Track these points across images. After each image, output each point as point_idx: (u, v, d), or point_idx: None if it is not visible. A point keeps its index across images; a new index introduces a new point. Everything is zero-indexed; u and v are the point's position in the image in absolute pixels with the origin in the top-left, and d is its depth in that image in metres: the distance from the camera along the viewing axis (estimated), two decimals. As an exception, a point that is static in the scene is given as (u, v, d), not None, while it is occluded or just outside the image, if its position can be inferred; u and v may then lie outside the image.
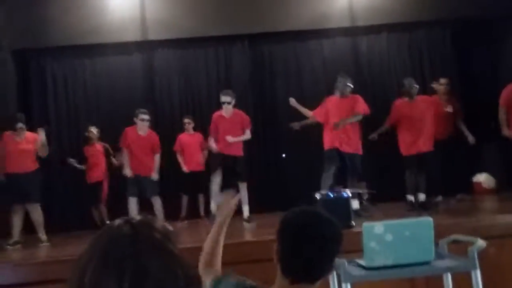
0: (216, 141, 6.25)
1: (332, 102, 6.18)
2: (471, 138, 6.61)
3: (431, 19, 7.89)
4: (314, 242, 1.50)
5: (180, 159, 7.40)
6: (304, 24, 7.98)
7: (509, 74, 6.28)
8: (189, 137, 7.46)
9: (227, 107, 6.28)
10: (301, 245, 1.50)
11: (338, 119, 5.98)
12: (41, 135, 6.05)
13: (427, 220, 2.72)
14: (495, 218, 4.43)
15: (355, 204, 5.84)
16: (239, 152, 6.31)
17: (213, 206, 5.93)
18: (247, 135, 6.32)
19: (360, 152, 6.09)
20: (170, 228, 1.06)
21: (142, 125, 6.40)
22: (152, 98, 8.24)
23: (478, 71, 7.07)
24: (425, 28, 8.15)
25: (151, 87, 8.33)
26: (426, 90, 7.10)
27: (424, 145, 6.19)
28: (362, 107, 6.13)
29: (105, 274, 0.95)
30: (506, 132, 6.05)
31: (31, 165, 6.07)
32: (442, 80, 6.93)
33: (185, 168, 7.33)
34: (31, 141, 6.10)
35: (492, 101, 6.25)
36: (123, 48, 8.22)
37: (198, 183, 7.17)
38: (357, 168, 5.99)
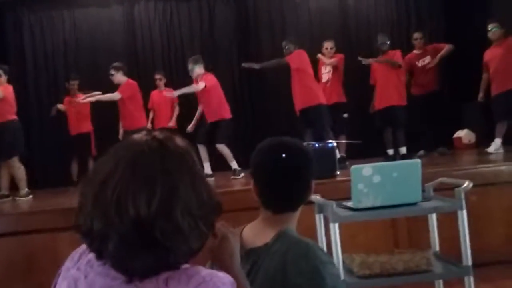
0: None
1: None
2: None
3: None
4: (288, 175, 1.51)
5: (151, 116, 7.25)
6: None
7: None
8: (159, 94, 7.27)
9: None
10: (276, 181, 1.51)
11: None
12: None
13: (416, 162, 2.72)
14: (476, 167, 4.51)
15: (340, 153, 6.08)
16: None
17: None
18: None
19: (318, 102, 6.02)
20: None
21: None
22: (134, 51, 8.08)
23: (466, 23, 7.02)
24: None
25: (133, 41, 8.15)
26: (412, 43, 7.14)
27: (392, 99, 6.29)
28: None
29: (134, 187, 0.91)
30: (480, 97, 6.27)
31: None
32: (415, 35, 6.98)
33: (149, 125, 7.07)
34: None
35: (480, 57, 6.27)
36: (102, 0, 7.98)
37: None
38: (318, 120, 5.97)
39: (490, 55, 6.09)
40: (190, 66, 6.14)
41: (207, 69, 6.30)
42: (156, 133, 1.00)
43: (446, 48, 6.67)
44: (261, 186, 1.54)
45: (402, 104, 6.35)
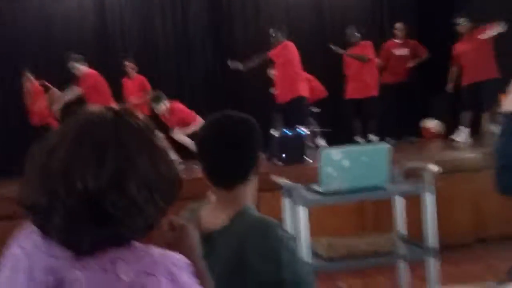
0: None
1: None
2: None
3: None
4: (231, 143, 1.46)
5: None
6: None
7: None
8: (129, 82, 7.22)
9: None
10: (220, 151, 1.46)
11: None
12: None
13: (384, 146, 2.75)
14: (443, 155, 4.59)
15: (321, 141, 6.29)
16: None
17: None
18: None
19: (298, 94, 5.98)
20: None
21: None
22: (104, 40, 7.87)
23: (437, 20, 7.12)
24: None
25: (103, 29, 7.93)
26: (385, 37, 7.18)
27: (362, 91, 6.43)
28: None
29: (83, 158, 0.86)
30: (448, 88, 6.46)
31: None
32: (397, 25, 7.10)
33: None
34: None
35: (448, 51, 6.39)
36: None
37: None
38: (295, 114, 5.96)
39: (460, 48, 6.21)
40: (153, 105, 6.39)
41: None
42: (114, 106, 0.96)
43: (424, 56, 6.91)
44: (207, 161, 1.49)
45: (373, 95, 6.47)
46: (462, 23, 6.16)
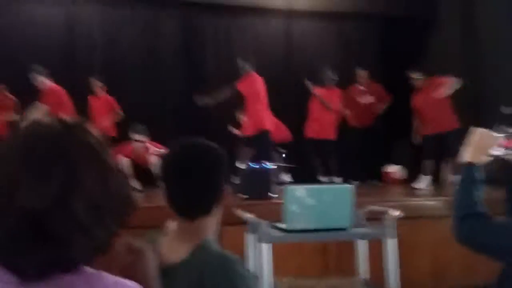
0: None
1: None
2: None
3: (362, 12, 8.12)
4: (197, 172, 1.44)
5: None
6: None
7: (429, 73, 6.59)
8: (96, 100, 7.14)
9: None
10: (185, 178, 1.43)
11: None
12: None
13: (348, 187, 2.75)
14: (405, 200, 4.64)
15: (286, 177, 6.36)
16: None
17: None
18: None
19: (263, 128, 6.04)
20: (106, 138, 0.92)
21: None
22: (72, 58, 7.73)
23: (400, 68, 7.35)
24: (356, 20, 8.37)
25: (71, 46, 7.80)
26: (350, 81, 7.37)
27: (321, 133, 6.65)
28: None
29: (27, 174, 0.79)
30: (415, 139, 6.56)
31: None
32: (361, 73, 7.30)
33: None
34: None
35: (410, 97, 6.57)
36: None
37: None
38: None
39: (419, 101, 6.37)
40: (136, 137, 6.35)
41: None
42: (65, 117, 0.89)
43: (386, 101, 7.18)
44: (170, 188, 1.45)
45: (330, 138, 6.71)
46: (417, 77, 6.35)
